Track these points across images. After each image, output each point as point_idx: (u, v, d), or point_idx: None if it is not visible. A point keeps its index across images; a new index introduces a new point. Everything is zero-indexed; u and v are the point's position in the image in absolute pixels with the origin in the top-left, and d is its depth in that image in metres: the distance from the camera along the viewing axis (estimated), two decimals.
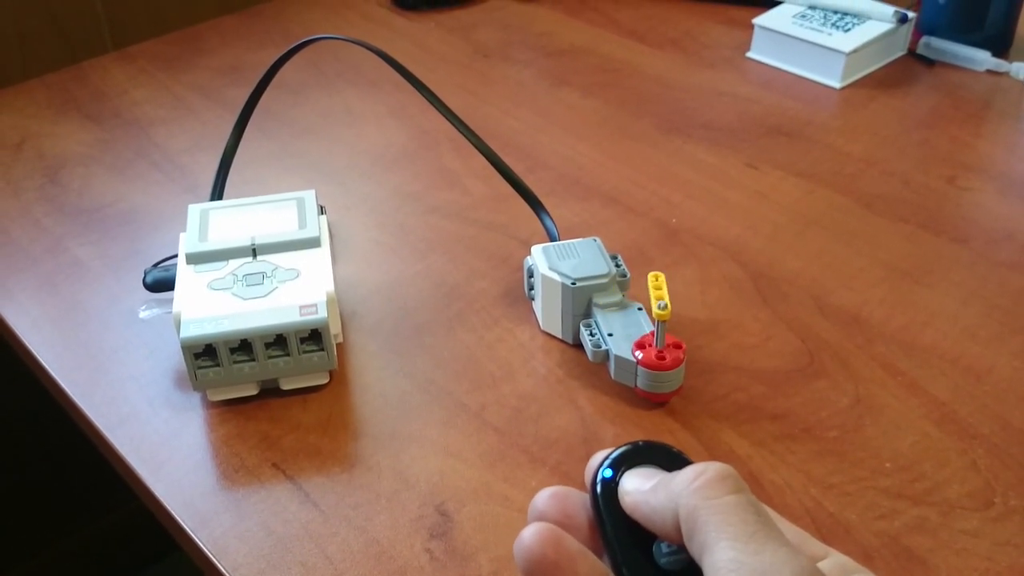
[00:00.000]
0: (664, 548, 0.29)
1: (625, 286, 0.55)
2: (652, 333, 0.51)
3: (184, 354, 0.50)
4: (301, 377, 0.53)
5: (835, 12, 0.86)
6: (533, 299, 0.58)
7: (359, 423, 0.52)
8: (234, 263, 0.54)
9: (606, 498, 0.29)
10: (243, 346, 0.50)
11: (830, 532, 0.45)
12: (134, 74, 0.87)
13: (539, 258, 0.56)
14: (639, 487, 0.29)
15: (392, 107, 0.81)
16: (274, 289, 0.52)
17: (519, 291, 0.60)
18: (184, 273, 0.54)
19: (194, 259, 0.54)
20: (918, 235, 0.65)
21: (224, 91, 0.84)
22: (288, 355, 0.51)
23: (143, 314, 0.56)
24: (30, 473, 1.08)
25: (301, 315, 0.50)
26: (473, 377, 0.54)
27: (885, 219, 0.66)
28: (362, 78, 0.85)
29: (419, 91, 0.63)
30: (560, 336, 0.56)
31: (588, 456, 0.49)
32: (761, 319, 0.58)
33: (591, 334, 0.53)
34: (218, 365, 0.50)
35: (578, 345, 0.56)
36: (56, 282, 0.63)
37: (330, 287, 0.52)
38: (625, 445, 0.30)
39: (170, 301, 0.53)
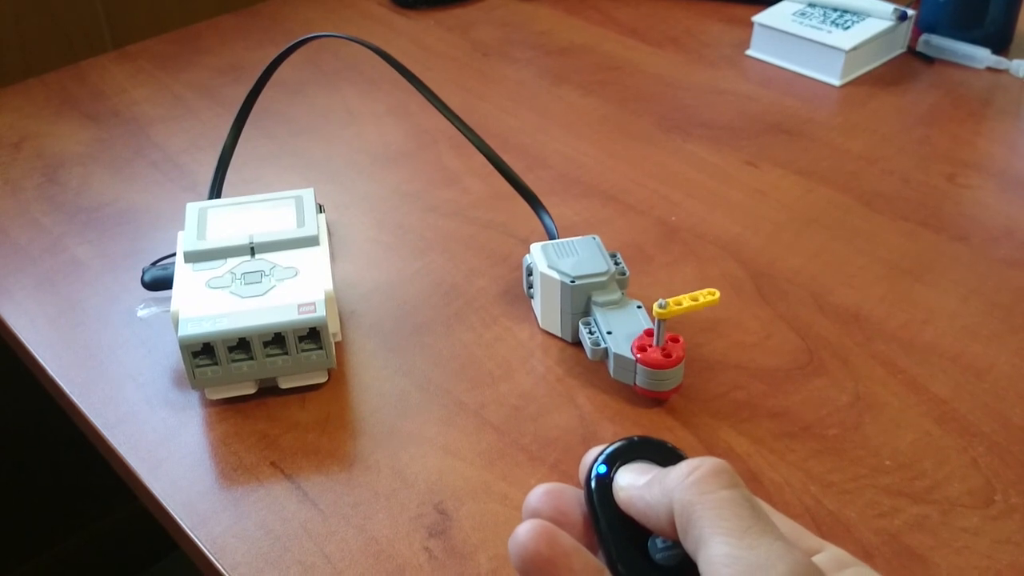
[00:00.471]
0: (659, 543, 0.28)
1: (624, 284, 0.55)
2: (651, 331, 0.51)
3: (182, 353, 0.50)
4: (299, 376, 0.52)
5: (835, 10, 0.86)
6: (532, 297, 0.58)
7: (358, 422, 0.52)
8: (232, 262, 0.54)
9: (600, 494, 0.29)
10: (241, 345, 0.50)
11: (830, 530, 0.45)
12: (133, 73, 0.87)
13: (538, 256, 0.56)
14: (633, 483, 0.28)
15: (391, 106, 0.81)
16: (272, 288, 0.52)
17: (518, 290, 0.60)
18: (182, 272, 0.54)
19: (192, 257, 0.54)
20: (918, 233, 0.65)
21: (223, 90, 0.84)
22: (286, 354, 0.51)
23: (141, 313, 0.56)
24: (29, 473, 1.08)
25: (299, 314, 0.50)
26: (472, 376, 0.54)
27: (885, 217, 0.66)
28: (361, 76, 0.85)
29: (418, 89, 0.62)
30: (559, 334, 0.56)
31: None
32: (761, 317, 0.58)
33: (590, 332, 0.53)
34: (216, 364, 0.50)
35: (577, 343, 0.56)
36: (55, 281, 0.63)
37: (329, 286, 0.52)
38: (620, 441, 0.30)
39: (168, 300, 0.53)
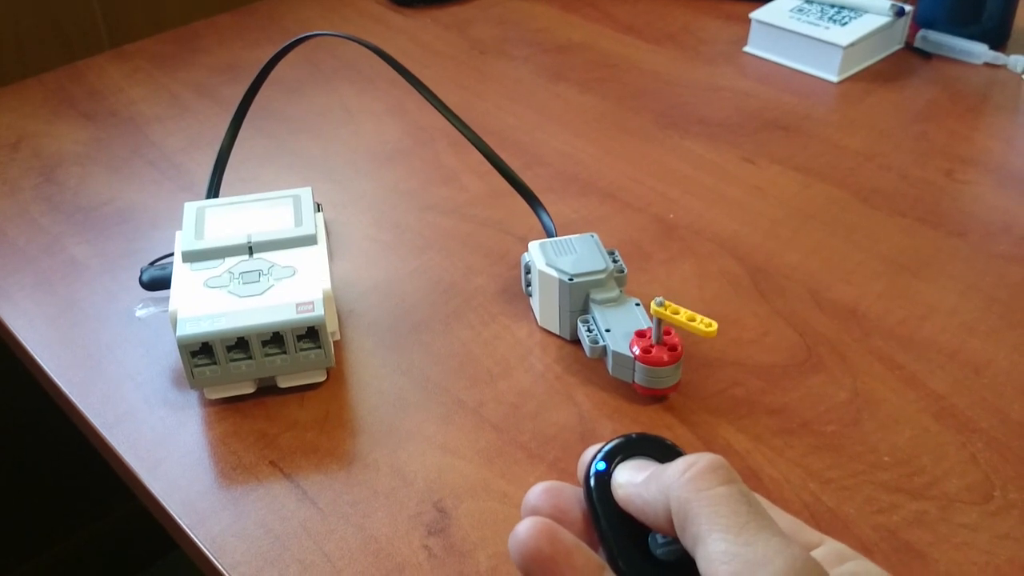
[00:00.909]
0: (659, 539, 0.28)
1: (623, 282, 0.55)
2: (649, 328, 0.51)
3: (181, 352, 0.49)
4: (298, 375, 0.52)
5: (832, 6, 0.86)
6: (530, 295, 0.58)
7: (357, 420, 0.52)
8: (230, 261, 0.54)
9: (599, 491, 0.29)
10: (240, 344, 0.50)
11: (829, 526, 0.45)
12: (130, 72, 0.87)
13: (536, 254, 0.56)
14: (631, 480, 0.28)
15: (389, 104, 0.81)
16: (271, 287, 0.52)
17: (516, 288, 0.60)
18: (180, 271, 0.54)
19: (190, 257, 0.54)
20: (916, 229, 0.65)
21: (220, 89, 0.84)
22: (285, 353, 0.51)
23: (139, 312, 0.56)
24: (29, 473, 1.08)
25: (298, 313, 0.50)
26: (471, 374, 0.54)
27: (883, 213, 0.66)
28: (358, 75, 0.85)
29: (415, 88, 0.62)
30: (558, 332, 0.56)
31: None
32: (759, 314, 0.58)
33: (589, 330, 0.53)
34: (215, 363, 0.50)
35: (576, 341, 0.56)
36: (53, 281, 0.63)
37: (327, 284, 0.52)
38: (618, 438, 0.30)
39: (166, 299, 0.53)
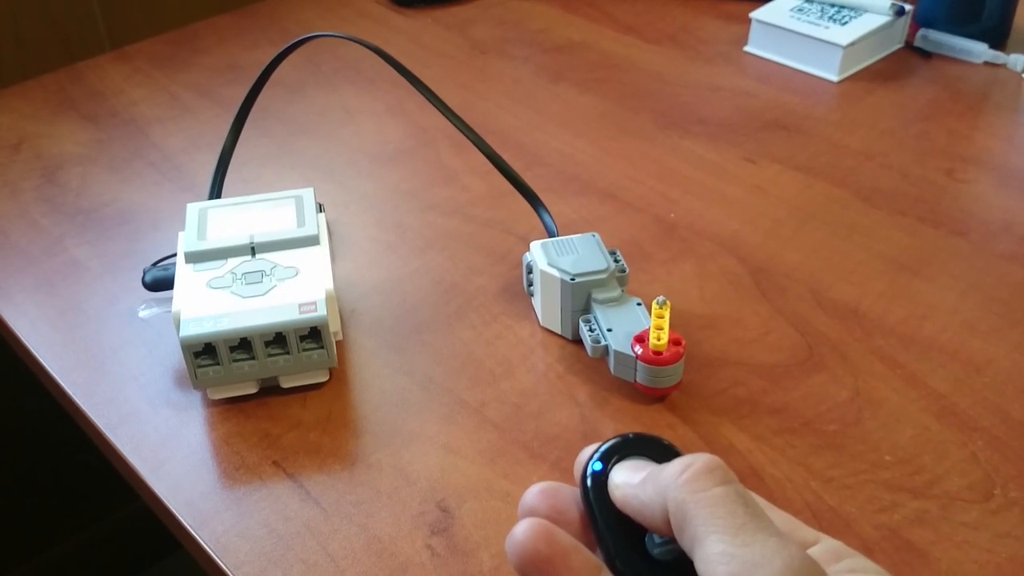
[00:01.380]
0: (656, 539, 0.29)
1: (624, 281, 0.55)
2: (651, 328, 0.51)
3: (184, 353, 0.50)
4: (301, 375, 0.53)
5: (832, 5, 0.86)
6: (532, 295, 0.58)
7: (359, 421, 0.52)
8: (233, 262, 0.54)
9: (596, 491, 0.29)
10: (243, 344, 0.50)
11: (830, 525, 0.45)
12: (131, 74, 0.87)
13: (538, 254, 0.56)
14: (628, 480, 0.28)
15: (390, 104, 0.81)
16: (273, 287, 0.52)
17: (518, 287, 0.60)
18: (183, 272, 0.54)
19: (193, 258, 0.54)
20: (917, 228, 0.65)
21: (221, 90, 0.84)
22: (288, 353, 0.51)
23: (142, 313, 0.56)
24: (30, 474, 1.08)
25: (300, 313, 0.50)
26: (473, 374, 0.54)
27: (883, 212, 0.66)
28: (359, 76, 0.85)
29: (416, 88, 0.63)
30: (559, 332, 0.56)
31: None
32: (760, 313, 0.58)
33: (590, 329, 0.53)
34: (218, 364, 0.50)
35: (577, 341, 0.56)
36: (55, 282, 0.63)
37: (329, 285, 0.52)
38: (615, 438, 0.30)
39: (169, 300, 0.53)
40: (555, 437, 0.50)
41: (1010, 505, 0.46)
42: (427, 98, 0.63)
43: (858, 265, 0.61)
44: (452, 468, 0.49)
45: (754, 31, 0.87)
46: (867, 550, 0.44)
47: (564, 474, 0.48)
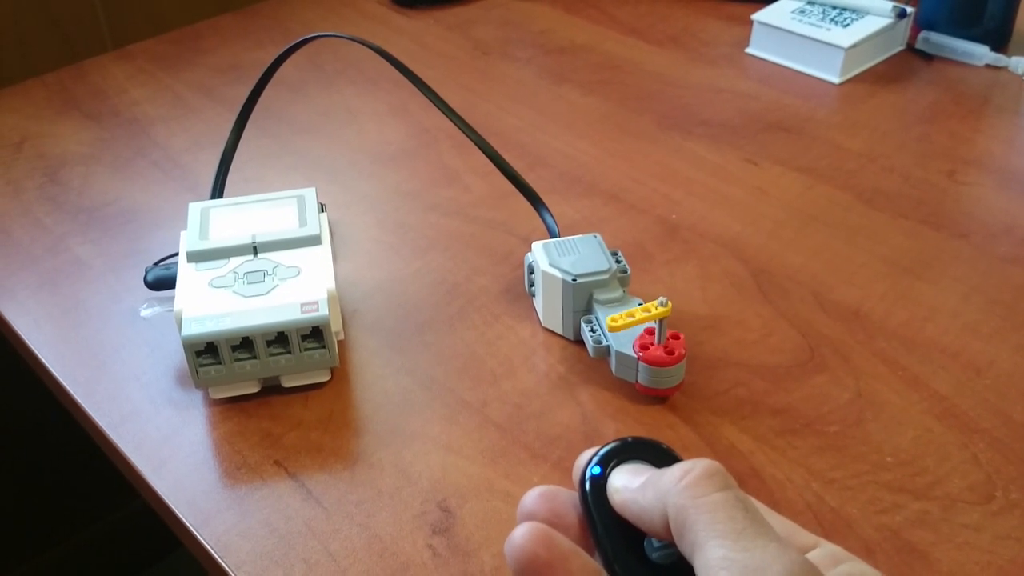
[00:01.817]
0: (655, 543, 0.29)
1: (626, 282, 0.55)
2: (653, 329, 0.51)
3: (186, 352, 0.50)
4: (302, 375, 0.53)
5: (834, 7, 0.86)
6: (534, 296, 0.58)
7: (361, 420, 0.52)
8: (235, 261, 0.54)
9: (595, 495, 0.29)
10: (244, 344, 0.50)
11: (831, 526, 0.45)
12: (133, 73, 0.87)
13: (540, 254, 0.56)
14: (627, 485, 0.28)
15: (392, 105, 0.81)
16: (275, 287, 0.52)
17: (520, 288, 0.60)
18: (185, 271, 0.54)
19: (195, 257, 0.54)
20: (918, 230, 0.65)
21: (224, 89, 0.84)
22: (289, 353, 0.51)
23: (144, 312, 0.56)
24: (31, 473, 1.08)
25: (302, 312, 0.50)
26: (474, 374, 0.54)
27: (885, 214, 0.66)
28: (362, 76, 0.85)
29: (419, 88, 0.63)
30: (561, 332, 0.56)
31: None
32: (762, 315, 0.58)
33: (592, 330, 0.53)
34: (219, 363, 0.50)
35: (579, 341, 0.56)
36: (57, 281, 0.63)
37: (331, 284, 0.52)
38: (613, 442, 0.30)
39: (171, 299, 0.53)
40: (556, 437, 0.50)
41: (1011, 507, 0.46)
42: (429, 99, 0.63)
43: (860, 267, 0.61)
44: (453, 468, 0.49)
45: (756, 33, 0.87)
46: (868, 551, 0.44)
47: (565, 474, 0.48)
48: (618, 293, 0.54)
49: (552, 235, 0.61)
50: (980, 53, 0.84)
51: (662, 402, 0.52)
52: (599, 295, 0.54)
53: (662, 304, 0.49)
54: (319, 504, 0.47)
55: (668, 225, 0.66)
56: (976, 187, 0.69)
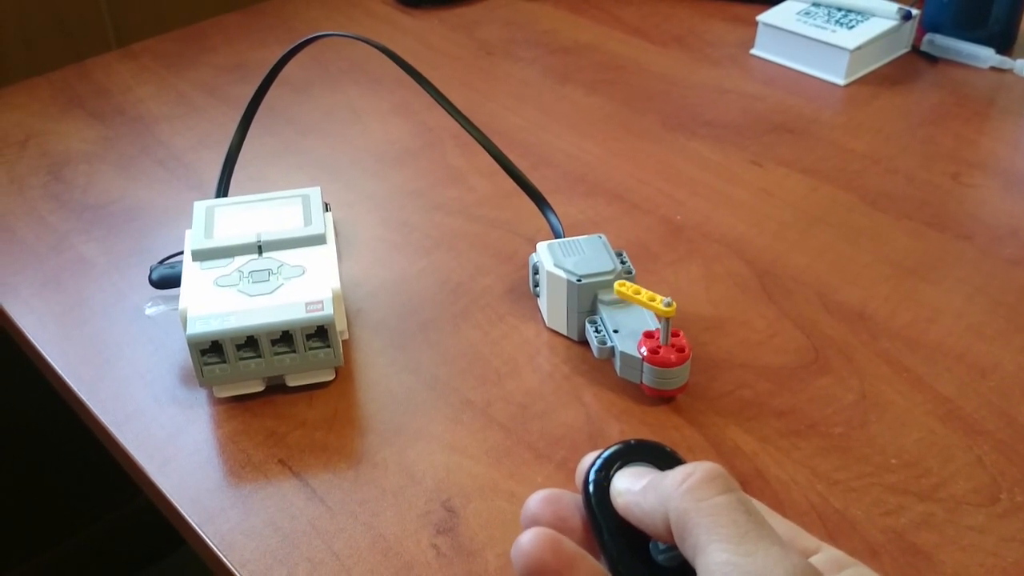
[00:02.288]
0: (660, 546, 0.29)
1: (631, 283, 0.55)
2: (657, 330, 0.51)
3: (190, 351, 0.50)
4: (307, 374, 0.53)
5: (839, 9, 0.86)
6: (538, 296, 0.58)
7: (365, 419, 0.52)
8: (240, 260, 0.54)
9: (598, 498, 0.29)
10: (249, 343, 0.50)
11: (836, 528, 0.45)
12: (138, 72, 0.87)
13: (544, 255, 0.56)
14: (630, 488, 0.28)
15: (396, 104, 0.81)
16: (280, 286, 0.52)
17: (524, 288, 0.60)
18: (190, 270, 0.54)
19: (200, 256, 0.54)
20: (923, 232, 0.65)
21: (228, 88, 0.84)
22: (294, 352, 0.51)
23: (149, 311, 0.56)
24: (33, 471, 1.09)
25: (307, 312, 0.50)
26: (478, 374, 0.54)
27: (890, 216, 0.66)
28: (366, 75, 0.86)
29: (423, 87, 0.63)
30: (565, 333, 0.56)
31: None
32: (766, 316, 0.58)
33: (596, 331, 0.53)
34: (224, 362, 0.50)
35: (583, 342, 0.56)
36: (61, 279, 0.63)
37: (336, 284, 0.52)
38: (616, 444, 0.30)
39: (176, 298, 0.53)
40: (561, 438, 0.50)
41: (1016, 509, 0.46)
42: (434, 97, 0.63)
43: (864, 268, 0.61)
44: (457, 468, 0.49)
45: (761, 34, 0.87)
46: (873, 553, 0.44)
47: (569, 475, 0.48)
48: None
49: (556, 235, 0.61)
50: (985, 56, 0.84)
51: (667, 403, 0.52)
52: (604, 296, 0.54)
53: (667, 305, 0.49)
54: (323, 503, 0.47)
55: (672, 226, 0.66)
56: (981, 189, 0.69)
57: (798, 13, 0.86)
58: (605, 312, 0.53)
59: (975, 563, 0.44)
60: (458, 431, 0.51)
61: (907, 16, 0.84)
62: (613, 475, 0.30)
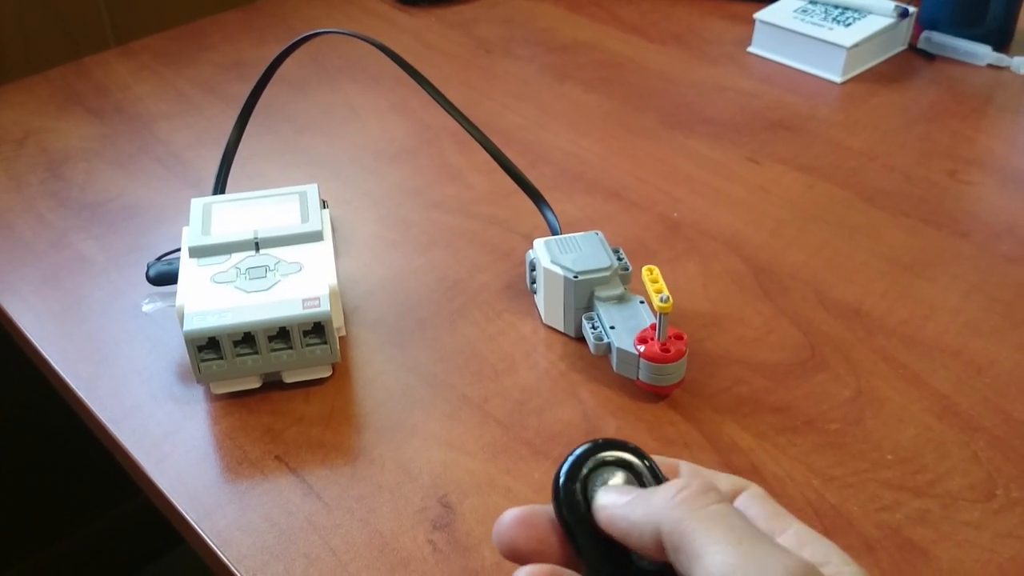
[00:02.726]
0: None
1: (627, 279, 0.56)
2: (654, 326, 0.51)
3: (187, 347, 0.50)
4: (304, 370, 0.53)
5: (836, 7, 0.86)
6: (535, 293, 0.58)
7: (362, 416, 0.52)
8: (237, 256, 0.54)
9: (570, 506, 0.29)
10: (246, 339, 0.51)
11: (832, 524, 0.45)
12: (136, 69, 0.87)
13: (541, 251, 0.56)
14: (615, 501, 0.28)
15: (394, 102, 0.81)
16: (277, 282, 0.52)
17: (521, 285, 0.61)
18: (187, 266, 0.54)
19: (197, 252, 0.54)
20: (919, 229, 0.65)
21: (226, 86, 0.84)
22: (291, 348, 0.51)
23: (146, 307, 0.57)
24: (32, 470, 1.09)
25: (304, 308, 0.51)
26: (475, 370, 0.54)
27: (886, 213, 0.66)
28: (364, 73, 0.86)
29: (421, 85, 0.63)
30: (562, 329, 0.56)
31: None
32: (763, 313, 0.58)
33: (593, 327, 0.53)
34: (221, 358, 0.51)
35: (580, 338, 0.56)
36: (59, 276, 0.63)
37: (333, 280, 0.52)
38: (580, 447, 0.30)
39: (173, 295, 0.53)
40: (557, 434, 0.50)
41: (1012, 505, 0.46)
42: (432, 95, 0.63)
43: (861, 265, 0.62)
44: (454, 464, 0.49)
45: (758, 32, 0.87)
46: (869, 549, 0.44)
47: None
48: (619, 290, 0.54)
49: (554, 232, 0.61)
50: (982, 53, 0.84)
51: (663, 399, 0.52)
52: (600, 292, 0.54)
53: (663, 301, 0.49)
54: (320, 499, 0.47)
55: (670, 223, 0.66)
56: (977, 186, 0.69)
57: (795, 11, 0.86)
58: (602, 308, 0.54)
59: (971, 559, 0.44)
60: (455, 427, 0.51)
61: (904, 13, 0.84)
62: (586, 475, 0.29)
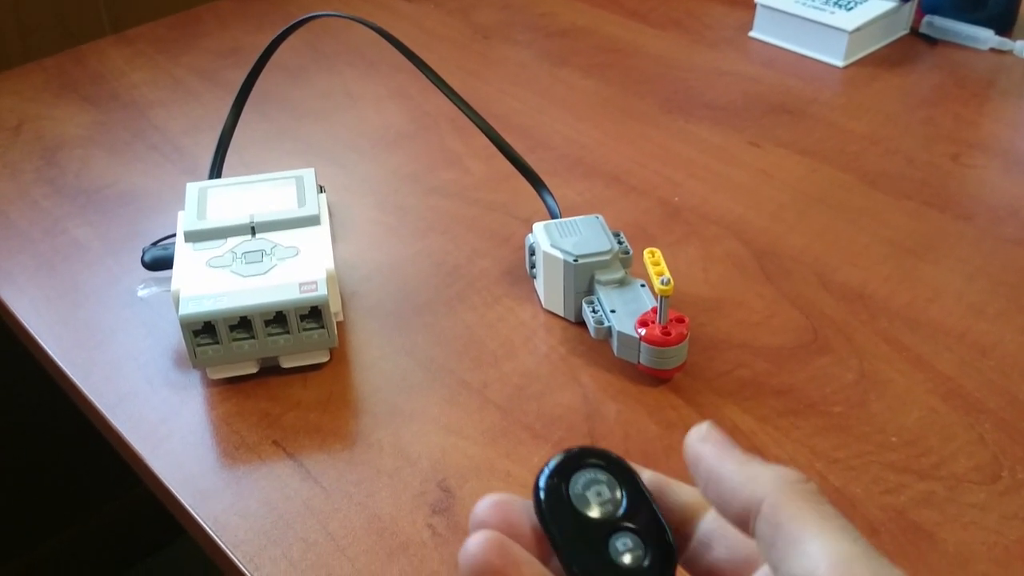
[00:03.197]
0: (620, 546, 0.28)
1: (627, 263, 0.55)
2: (655, 309, 0.51)
3: (183, 331, 0.49)
4: (301, 355, 0.52)
5: None
6: (535, 277, 0.58)
7: (360, 401, 0.51)
8: (233, 241, 0.54)
9: (549, 502, 0.29)
10: (243, 323, 0.50)
11: (836, 506, 0.45)
12: (132, 57, 0.86)
13: (541, 235, 0.55)
14: (715, 453, 0.28)
15: (391, 88, 0.80)
16: (273, 267, 0.52)
17: (521, 270, 0.60)
18: (183, 251, 0.53)
19: (192, 237, 0.54)
20: (922, 212, 0.64)
21: (223, 73, 0.83)
22: (288, 333, 0.51)
23: (141, 292, 0.56)
24: (31, 463, 1.08)
25: (301, 292, 0.50)
26: (475, 355, 0.54)
27: (889, 196, 0.66)
28: (361, 59, 0.85)
29: (420, 69, 0.62)
30: (562, 314, 0.56)
31: (590, 433, 0.49)
32: (765, 296, 0.57)
33: (593, 311, 0.53)
34: (217, 343, 0.50)
35: (580, 323, 0.55)
36: (55, 263, 0.62)
37: (330, 264, 0.52)
38: (561, 453, 0.30)
39: (168, 279, 0.53)
40: (558, 418, 0.50)
41: (1018, 487, 0.46)
42: (431, 79, 0.62)
43: (863, 249, 0.61)
44: (453, 448, 0.48)
45: (759, 16, 0.86)
46: (873, 531, 0.44)
47: None
48: (620, 274, 0.54)
49: (553, 217, 0.61)
50: (984, 37, 0.83)
51: (664, 383, 0.52)
52: (601, 276, 0.53)
53: (664, 283, 0.49)
54: (318, 483, 0.47)
55: (670, 207, 0.65)
56: (980, 170, 0.68)
57: None
58: (602, 292, 0.53)
59: (976, 541, 0.43)
60: (454, 412, 0.50)
61: None
62: (569, 478, 0.29)
